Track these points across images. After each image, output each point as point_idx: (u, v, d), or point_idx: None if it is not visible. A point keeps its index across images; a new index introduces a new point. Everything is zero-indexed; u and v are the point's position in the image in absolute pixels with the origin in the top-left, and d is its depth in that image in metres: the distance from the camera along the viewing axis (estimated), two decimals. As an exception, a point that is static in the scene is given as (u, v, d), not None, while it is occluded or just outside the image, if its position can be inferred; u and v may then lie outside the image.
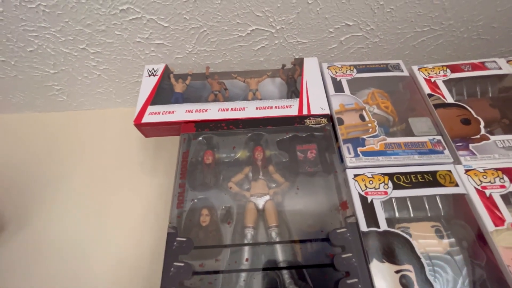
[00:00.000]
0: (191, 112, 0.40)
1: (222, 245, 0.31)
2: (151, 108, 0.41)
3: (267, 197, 0.35)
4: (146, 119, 0.39)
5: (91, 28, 0.61)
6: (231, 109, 0.40)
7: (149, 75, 0.45)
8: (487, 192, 0.32)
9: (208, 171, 0.37)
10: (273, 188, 0.36)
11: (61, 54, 0.66)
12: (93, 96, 0.81)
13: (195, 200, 0.35)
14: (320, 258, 0.29)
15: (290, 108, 0.40)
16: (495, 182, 0.33)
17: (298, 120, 0.38)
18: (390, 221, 0.33)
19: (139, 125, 0.40)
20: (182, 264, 0.28)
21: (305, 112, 0.39)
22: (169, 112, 0.40)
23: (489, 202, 0.32)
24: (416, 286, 0.27)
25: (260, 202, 0.35)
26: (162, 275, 0.28)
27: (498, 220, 0.30)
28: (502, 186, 0.33)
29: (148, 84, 0.43)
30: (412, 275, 0.28)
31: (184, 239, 0.30)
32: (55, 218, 0.57)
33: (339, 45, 0.70)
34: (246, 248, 0.32)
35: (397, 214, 0.34)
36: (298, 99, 0.41)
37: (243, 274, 0.30)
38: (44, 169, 0.68)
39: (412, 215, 0.33)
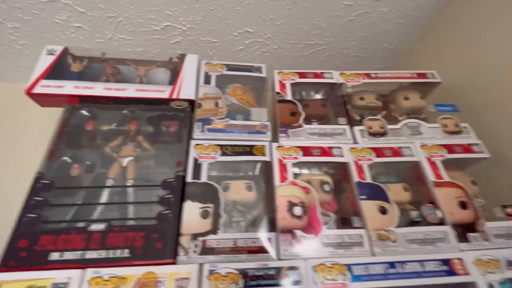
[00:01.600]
0: (78, 88, 0.49)
1: (83, 186, 0.41)
2: (43, 82, 0.49)
3: (131, 158, 0.46)
4: (37, 90, 0.48)
5: (7, 3, 0.65)
6: (115, 89, 0.50)
7: (48, 54, 0.52)
8: (284, 161, 0.47)
9: (87, 135, 0.47)
10: (138, 152, 0.47)
11: (-24, 25, 0.69)
12: (17, 69, 0.83)
13: (66, 158, 0.44)
14: (153, 198, 0.41)
15: (163, 92, 0.51)
16: (292, 155, 0.48)
17: (165, 101, 0.50)
18: (218, 178, 0.46)
19: (30, 94, 0.48)
20: (41, 199, 0.38)
21: (174, 97, 0.51)
22: (59, 86, 0.49)
23: (282, 168, 0.46)
24: (211, 216, 0.40)
25: (125, 161, 0.46)
26: (23, 206, 0.37)
27: (283, 179, 0.45)
28: (295, 158, 0.48)
29: (45, 61, 0.51)
30: (211, 210, 0.41)
31: (47, 181, 0.39)
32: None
33: (245, 48, 0.82)
34: (105, 192, 0.42)
35: (224, 174, 0.47)
36: (172, 85, 0.52)
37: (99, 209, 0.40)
38: None
39: (232, 174, 0.47)
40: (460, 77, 0.68)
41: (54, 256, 0.35)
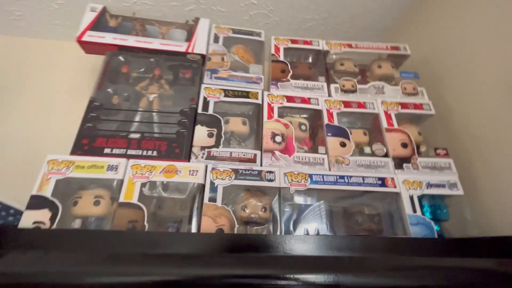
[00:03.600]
0: (116, 39, 0.63)
1: (123, 109, 0.57)
2: (89, 33, 0.63)
3: (155, 95, 0.61)
4: (85, 38, 0.62)
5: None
6: (144, 41, 0.64)
7: (91, 11, 0.66)
8: (272, 105, 0.61)
9: (123, 76, 0.62)
10: (161, 91, 0.62)
11: (26, -16, 0.81)
12: (51, 27, 0.96)
13: (109, 90, 0.59)
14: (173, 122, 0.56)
15: (181, 47, 0.65)
16: (278, 101, 0.62)
17: (182, 54, 0.64)
18: (221, 114, 0.61)
19: (80, 42, 0.62)
20: (94, 115, 0.53)
21: (189, 51, 0.64)
22: (102, 37, 0.63)
23: (270, 109, 0.61)
24: (214, 136, 0.55)
25: (151, 96, 0.61)
26: (83, 118, 0.53)
27: (270, 117, 0.60)
28: (281, 103, 0.62)
29: (89, 17, 0.65)
30: (214, 132, 0.56)
31: (98, 104, 0.55)
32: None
33: (250, 18, 0.94)
34: (138, 115, 0.58)
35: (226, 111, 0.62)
36: (188, 42, 0.66)
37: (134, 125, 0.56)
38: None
39: (231, 112, 0.62)
40: (428, 52, 0.80)
41: (107, 150, 0.51)
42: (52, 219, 0.44)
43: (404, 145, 0.60)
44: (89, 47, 0.64)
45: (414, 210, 0.53)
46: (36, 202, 0.44)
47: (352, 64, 0.74)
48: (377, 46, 0.75)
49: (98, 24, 0.65)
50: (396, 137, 0.61)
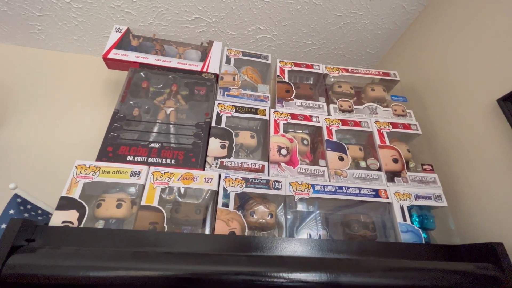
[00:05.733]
0: (138, 57, 0.70)
1: (145, 120, 0.62)
2: (114, 51, 0.69)
3: (172, 108, 0.67)
4: (111, 56, 0.68)
5: (77, -10, 0.84)
6: (163, 60, 0.71)
7: (116, 31, 0.72)
8: (278, 121, 0.68)
9: (143, 90, 0.68)
10: (177, 105, 0.68)
11: (49, 2, 0.88)
12: (68, 41, 1.03)
13: (131, 102, 0.65)
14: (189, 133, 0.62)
15: (196, 66, 0.72)
16: (283, 118, 0.69)
17: (197, 73, 0.71)
18: (232, 128, 0.67)
19: (106, 59, 0.68)
20: (118, 125, 0.59)
21: (204, 70, 0.71)
22: (125, 55, 0.69)
23: (276, 125, 0.68)
24: (226, 148, 0.61)
25: (168, 110, 0.67)
26: (108, 128, 0.58)
27: (276, 132, 0.66)
28: (286, 120, 0.69)
29: (114, 36, 0.71)
30: (227, 144, 0.62)
31: (121, 115, 0.60)
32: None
33: (255, 41, 1.03)
34: (156, 127, 0.63)
35: (236, 125, 0.68)
36: (203, 62, 0.73)
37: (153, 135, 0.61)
38: (15, 93, 0.91)
39: (241, 127, 0.68)
40: (415, 78, 0.89)
41: (129, 158, 0.56)
42: (80, 219, 0.48)
43: (395, 161, 0.67)
44: (113, 64, 0.70)
45: (404, 219, 0.59)
46: (66, 203, 0.49)
47: (349, 86, 0.82)
48: (371, 72, 0.83)
49: (122, 43, 0.72)
50: (388, 153, 0.68)
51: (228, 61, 0.76)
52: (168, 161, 0.57)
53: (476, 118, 0.66)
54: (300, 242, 0.50)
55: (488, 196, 0.61)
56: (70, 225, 0.47)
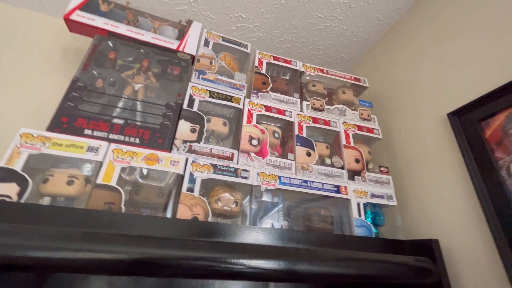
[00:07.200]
0: (107, 24, 0.63)
1: (108, 93, 0.57)
2: (79, 12, 0.62)
3: (141, 85, 0.63)
4: (74, 17, 0.61)
5: None
6: (135, 32, 0.65)
7: (83, -9, 0.65)
8: (252, 111, 0.68)
9: (109, 61, 0.62)
10: (147, 82, 0.64)
11: None
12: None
13: (95, 72, 0.59)
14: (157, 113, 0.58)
15: (172, 44, 0.68)
16: (258, 109, 0.69)
17: (173, 51, 0.67)
18: (204, 113, 0.65)
19: (68, 20, 0.61)
20: (76, 94, 0.53)
21: (180, 49, 0.68)
22: (92, 19, 0.62)
23: (250, 115, 0.67)
24: (196, 132, 0.59)
25: (136, 86, 0.62)
26: (64, 96, 0.52)
27: (249, 122, 0.66)
28: (259, 111, 0.69)
29: (80, -3, 0.64)
30: (197, 129, 0.60)
31: (81, 84, 0.54)
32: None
33: (236, 29, 1.01)
34: (121, 102, 0.58)
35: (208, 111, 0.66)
36: (179, 41, 0.69)
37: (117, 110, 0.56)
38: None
39: (214, 113, 0.67)
40: (382, 87, 0.96)
41: (87, 132, 0.51)
42: (20, 194, 0.43)
43: (357, 161, 0.71)
44: (76, 27, 0.63)
45: (360, 215, 0.63)
46: (4, 174, 0.43)
47: (322, 86, 0.85)
48: (344, 76, 0.87)
49: (89, 5, 0.65)
50: (352, 153, 0.72)
51: (206, 44, 0.73)
52: (132, 139, 0.53)
53: (428, 129, 0.74)
54: (262, 231, 0.51)
55: (430, 199, 0.68)
56: (8, 199, 0.42)
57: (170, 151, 0.55)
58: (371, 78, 0.94)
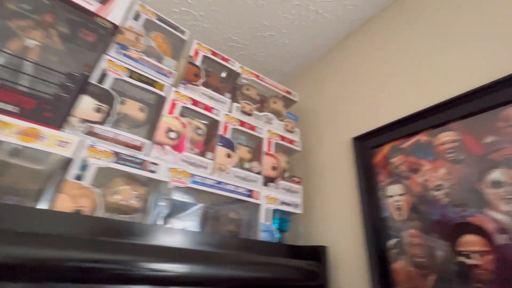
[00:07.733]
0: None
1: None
2: None
3: (38, 42, 0.51)
4: None
5: None
6: (40, -23, 0.53)
7: None
8: (176, 102, 0.63)
9: (-8, 3, 0.48)
10: (46, 41, 0.52)
11: None
12: None
13: None
14: (53, 80, 0.48)
15: (91, 5, 0.57)
16: (183, 101, 0.65)
17: (91, 13, 0.57)
18: (119, 93, 0.57)
19: None
20: None
21: (100, 14, 0.58)
22: None
23: (173, 106, 0.63)
24: (103, 113, 0.51)
25: (31, 42, 0.50)
26: None
27: (171, 113, 0.61)
28: (185, 103, 0.65)
29: None
30: (104, 109, 0.52)
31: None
32: None
33: (179, 13, 0.94)
34: (1, 58, 0.46)
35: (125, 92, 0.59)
36: (102, 4, 0.59)
37: None
38: None
39: (131, 95, 0.59)
40: (308, 104, 1.04)
41: None
42: None
43: (274, 168, 0.75)
44: None
45: (267, 220, 0.66)
46: None
47: (256, 92, 0.87)
48: (278, 86, 0.91)
49: None
50: (270, 160, 0.75)
51: (136, 18, 0.65)
52: (8, 107, 0.42)
53: (338, 148, 0.83)
54: (163, 231, 0.47)
55: (329, 209, 0.77)
56: None
57: (60, 129, 0.46)
58: (302, 92, 1.02)
